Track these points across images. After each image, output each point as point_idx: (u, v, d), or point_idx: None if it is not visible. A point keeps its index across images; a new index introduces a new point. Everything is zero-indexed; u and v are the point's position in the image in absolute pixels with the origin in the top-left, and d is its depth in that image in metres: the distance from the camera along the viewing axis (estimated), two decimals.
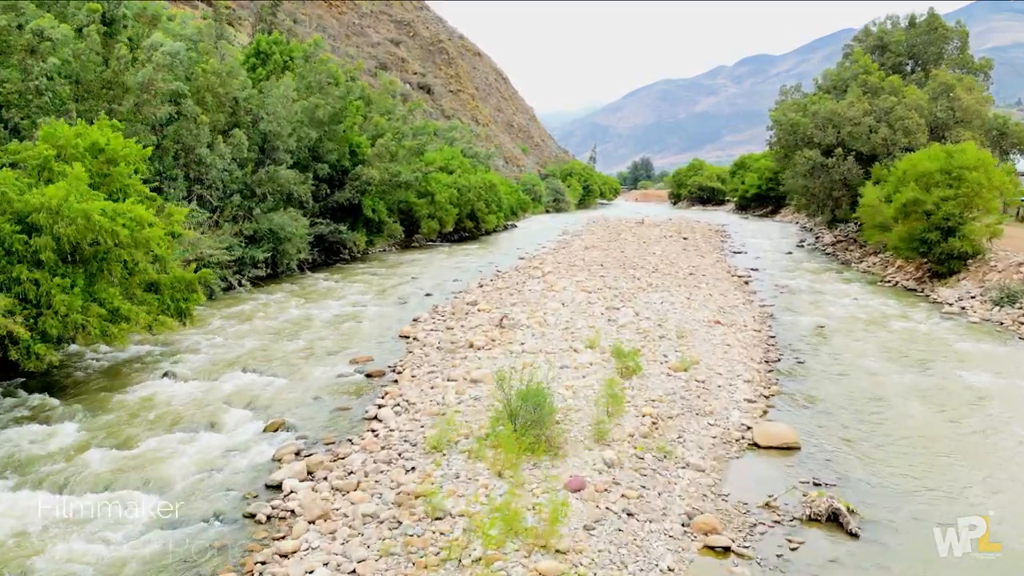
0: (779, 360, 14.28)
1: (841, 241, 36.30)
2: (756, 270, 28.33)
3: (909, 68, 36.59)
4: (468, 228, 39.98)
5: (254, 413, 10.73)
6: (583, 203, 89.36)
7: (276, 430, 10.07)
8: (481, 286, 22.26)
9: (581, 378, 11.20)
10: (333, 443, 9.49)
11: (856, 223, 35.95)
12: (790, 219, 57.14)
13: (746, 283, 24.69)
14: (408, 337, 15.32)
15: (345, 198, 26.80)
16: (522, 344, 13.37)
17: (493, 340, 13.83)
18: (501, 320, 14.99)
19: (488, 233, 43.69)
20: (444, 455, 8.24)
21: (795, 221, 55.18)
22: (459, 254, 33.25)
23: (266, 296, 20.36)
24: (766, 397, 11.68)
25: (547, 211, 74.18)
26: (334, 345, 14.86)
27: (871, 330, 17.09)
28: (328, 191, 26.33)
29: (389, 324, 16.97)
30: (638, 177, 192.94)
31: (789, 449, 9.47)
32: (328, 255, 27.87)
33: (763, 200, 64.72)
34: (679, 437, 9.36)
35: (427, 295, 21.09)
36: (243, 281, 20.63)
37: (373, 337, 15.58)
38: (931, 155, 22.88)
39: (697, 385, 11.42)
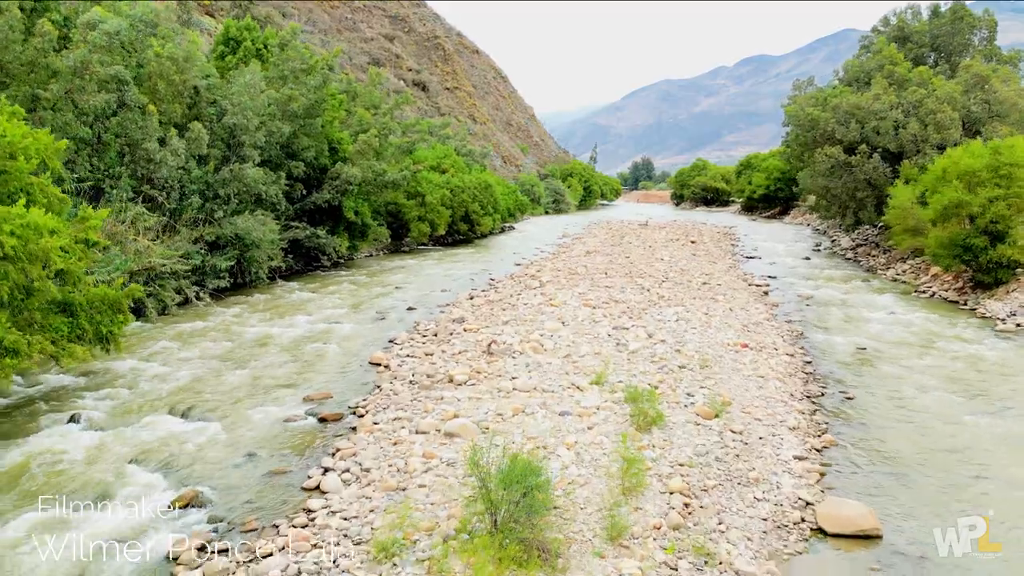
0: (822, 395, 11.88)
1: (861, 245, 33.88)
2: (774, 278, 25.94)
3: (932, 60, 34.18)
4: (462, 231, 37.57)
5: (166, 478, 8.32)
6: (584, 204, 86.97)
7: (186, 506, 7.66)
8: (471, 298, 19.86)
9: (586, 430, 8.78)
10: (254, 530, 7.08)
11: (878, 226, 33.58)
12: (800, 221, 54.71)
13: (765, 294, 22.29)
14: (379, 365, 12.91)
15: (324, 199, 24.38)
16: (513, 379, 10.94)
17: (478, 372, 11.41)
18: (489, 345, 12.58)
19: (483, 236, 41.30)
20: (395, 566, 5.82)
21: (806, 223, 52.76)
22: (451, 260, 30.85)
23: (227, 311, 17.94)
24: (818, 451, 9.27)
25: (546, 212, 71.80)
26: (290, 375, 12.45)
27: (922, 353, 14.66)
28: (304, 192, 23.91)
29: (360, 347, 14.56)
30: (639, 177, 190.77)
31: (867, 539, 7.05)
32: (306, 262, 25.45)
33: (771, 201, 62.32)
34: (719, 524, 6.94)
35: (409, 309, 18.69)
36: (201, 294, 18.22)
37: (338, 365, 13.16)
38: (975, 151, 20.45)
39: (734, 439, 8.99)
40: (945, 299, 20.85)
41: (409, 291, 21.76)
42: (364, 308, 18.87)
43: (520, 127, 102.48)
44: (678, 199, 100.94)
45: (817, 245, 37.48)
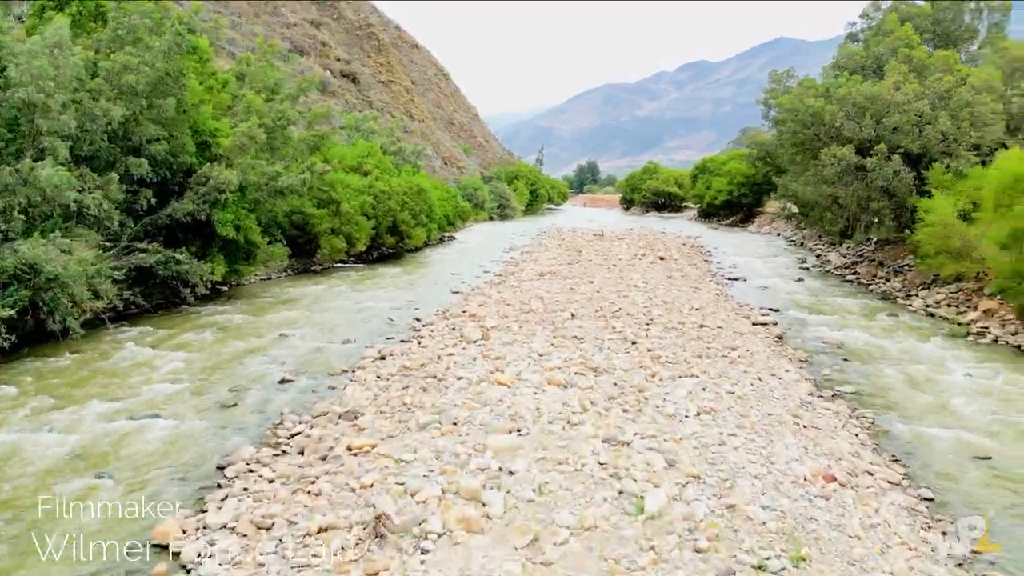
0: None
1: (857, 263, 29.03)
2: (776, 311, 20.60)
3: (932, 49, 29.65)
4: (389, 245, 31.21)
5: None
6: (531, 209, 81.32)
7: None
8: (381, 358, 13.70)
9: None
10: None
11: (874, 241, 28.73)
12: (768, 230, 50.16)
13: (780, 339, 16.85)
14: (163, 548, 6.66)
15: (185, 211, 17.78)
16: None
17: None
18: (377, 521, 6.39)
19: (417, 250, 35.00)
20: None
21: (775, 232, 48.22)
22: (371, 284, 24.52)
23: None
24: None
25: (491, 218, 65.83)
26: None
27: None
28: (155, 201, 17.27)
29: (160, 487, 8.23)
30: (584, 180, 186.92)
31: None
32: (165, 295, 18.77)
33: (733, 207, 57.84)
34: None
35: (283, 382, 12.39)
36: None
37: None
38: None
39: None
40: (1020, 348, 15.72)
41: (295, 342, 15.40)
42: (214, 382, 12.46)
43: (463, 126, 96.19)
44: (628, 203, 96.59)
45: (803, 261, 32.55)
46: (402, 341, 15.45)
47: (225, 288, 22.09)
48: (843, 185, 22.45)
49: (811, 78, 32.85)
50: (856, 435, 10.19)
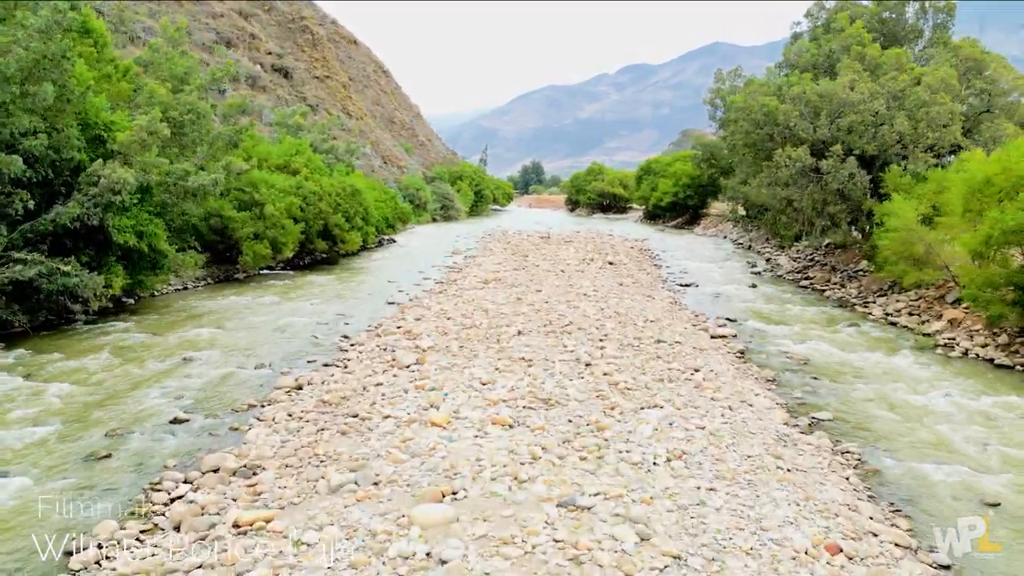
0: None
1: (808, 267, 28.37)
2: (733, 320, 19.46)
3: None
4: (321, 250, 28.99)
5: None
6: (475, 210, 79.59)
7: None
8: (298, 389, 11.80)
9: None
10: None
11: (826, 244, 28.13)
12: (714, 232, 49.67)
13: (741, 354, 15.62)
14: None
15: (72, 216, 15.40)
16: None
17: None
18: None
19: (354, 254, 32.84)
20: None
21: (722, 234, 47.72)
22: (299, 294, 22.39)
23: None
24: None
25: (434, 220, 63.82)
26: None
27: None
28: (36, 204, 14.84)
29: None
30: (529, 181, 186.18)
31: None
32: (58, 312, 16.32)
33: (679, 209, 57.32)
34: None
35: (174, 423, 10.34)
36: None
37: None
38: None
39: None
40: (992, 361, 14.82)
41: (199, 368, 13.28)
42: (91, 423, 10.31)
43: (404, 125, 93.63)
44: (573, 204, 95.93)
45: (753, 266, 31.78)
46: (325, 365, 13.55)
47: (131, 301, 19.69)
48: (797, 188, 21.50)
49: (758, 78, 32.18)
50: (847, 478, 8.84)
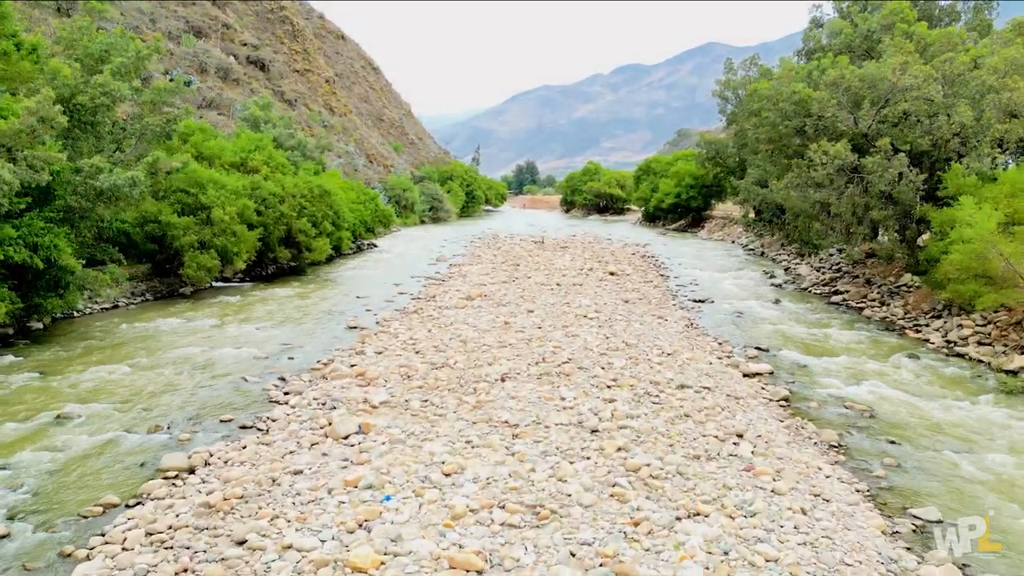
0: None
1: (836, 278, 25.06)
2: (764, 350, 16.11)
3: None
4: (284, 259, 25.53)
5: None
6: (467, 211, 76.16)
7: None
8: (189, 473, 8.43)
9: None
10: None
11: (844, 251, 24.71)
12: (721, 236, 46.33)
13: (786, 403, 12.27)
14: None
15: None
16: None
17: None
18: None
19: (326, 262, 29.39)
20: None
21: (730, 238, 44.42)
22: (247, 313, 18.94)
23: None
24: None
25: (422, 222, 60.40)
26: None
27: None
28: None
29: None
30: (523, 181, 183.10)
31: None
32: None
33: (681, 211, 54.01)
34: None
35: None
36: None
37: None
38: None
39: None
40: None
41: (69, 435, 9.82)
42: None
43: (393, 123, 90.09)
44: (568, 205, 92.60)
45: (771, 276, 28.45)
46: (241, 427, 10.13)
47: (39, 327, 16.20)
48: (835, 189, 18.17)
49: (772, 69, 28.91)
50: None
